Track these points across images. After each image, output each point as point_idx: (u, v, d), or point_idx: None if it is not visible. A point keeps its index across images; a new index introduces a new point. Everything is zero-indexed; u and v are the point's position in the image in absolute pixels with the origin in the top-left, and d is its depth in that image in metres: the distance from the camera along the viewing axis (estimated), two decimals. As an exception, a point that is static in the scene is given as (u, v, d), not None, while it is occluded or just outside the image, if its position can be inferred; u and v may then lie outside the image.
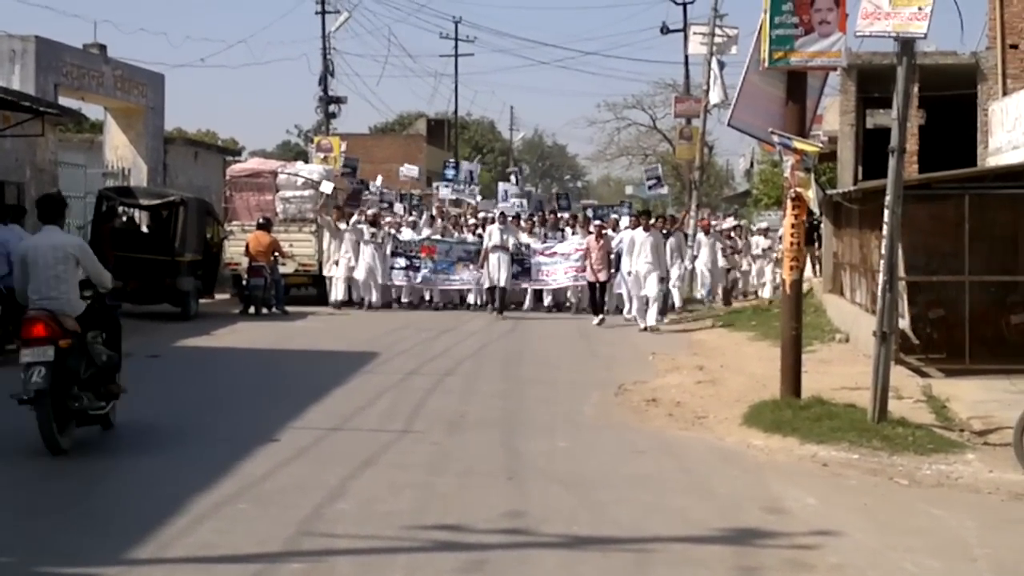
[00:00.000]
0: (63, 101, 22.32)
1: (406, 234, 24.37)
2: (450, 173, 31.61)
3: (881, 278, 10.45)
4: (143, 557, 6.20)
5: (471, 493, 7.87)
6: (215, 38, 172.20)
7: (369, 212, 24.58)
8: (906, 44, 10.19)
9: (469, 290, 24.07)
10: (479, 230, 24.62)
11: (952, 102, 22.60)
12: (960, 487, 8.51)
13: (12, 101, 17.29)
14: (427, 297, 24.50)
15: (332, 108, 46.88)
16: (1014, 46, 21.31)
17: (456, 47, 60.39)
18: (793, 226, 11.32)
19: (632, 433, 10.44)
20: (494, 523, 7.02)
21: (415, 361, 15.19)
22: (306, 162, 30.30)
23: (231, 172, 27.51)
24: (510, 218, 24.84)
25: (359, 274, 23.26)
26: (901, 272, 12.70)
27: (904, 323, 13.79)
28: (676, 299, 23.19)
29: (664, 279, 20.77)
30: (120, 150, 26.26)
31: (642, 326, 19.57)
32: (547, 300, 24.04)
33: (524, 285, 23.82)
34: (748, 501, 7.83)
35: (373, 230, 23.41)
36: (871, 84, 22.73)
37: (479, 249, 22.90)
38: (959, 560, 6.61)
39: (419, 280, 23.84)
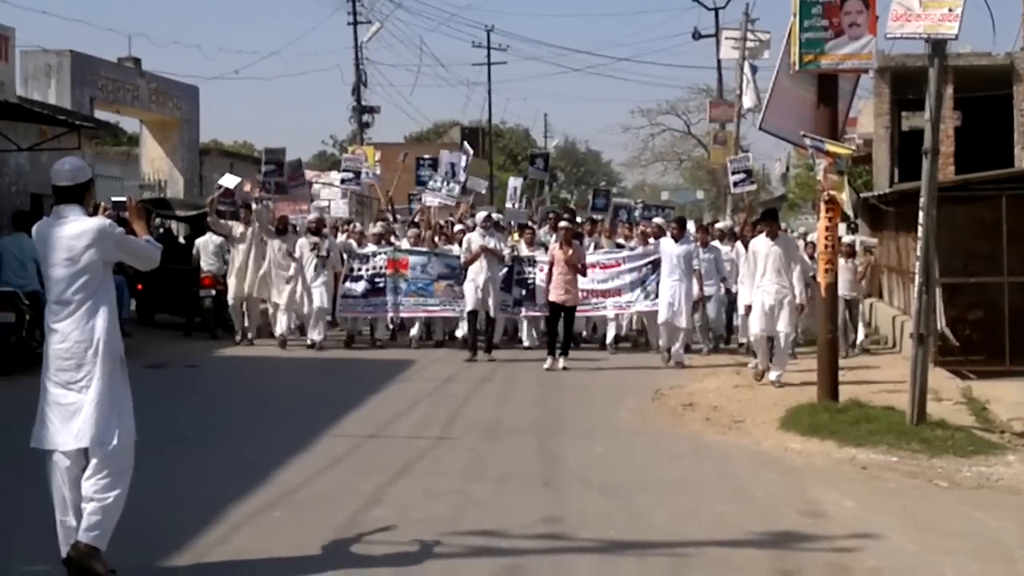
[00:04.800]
0: (99, 114, 22.68)
1: (369, 248, 18.32)
2: (425, 175, 21.34)
3: (917, 280, 10.38)
4: (180, 564, 6.24)
5: (507, 499, 7.86)
6: (248, 50, 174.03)
7: (310, 217, 18.32)
8: (937, 45, 10.12)
9: (454, 318, 18.02)
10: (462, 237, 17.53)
11: (988, 103, 22.50)
12: (1001, 489, 8.42)
13: (48, 115, 17.53)
14: (406, 327, 18.48)
15: (366, 118, 47.31)
16: (1049, 46, 21.18)
17: (488, 55, 60.56)
18: (827, 229, 11.27)
19: (669, 437, 10.42)
20: (530, 529, 7.01)
21: (451, 368, 15.21)
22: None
23: (266, 182, 27.70)
24: (504, 223, 19.58)
25: (300, 302, 17.52)
26: (938, 274, 12.59)
27: (942, 325, 13.68)
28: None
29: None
30: (156, 162, 26.58)
31: (772, 376, 13.49)
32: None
33: (526, 313, 17.82)
34: (786, 504, 7.78)
35: (315, 239, 17.40)
36: (905, 86, 22.65)
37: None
38: (999, 563, 6.54)
39: (386, 307, 17.87)
